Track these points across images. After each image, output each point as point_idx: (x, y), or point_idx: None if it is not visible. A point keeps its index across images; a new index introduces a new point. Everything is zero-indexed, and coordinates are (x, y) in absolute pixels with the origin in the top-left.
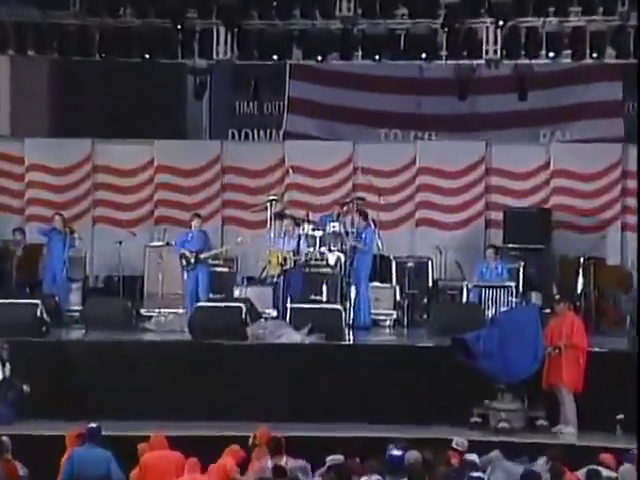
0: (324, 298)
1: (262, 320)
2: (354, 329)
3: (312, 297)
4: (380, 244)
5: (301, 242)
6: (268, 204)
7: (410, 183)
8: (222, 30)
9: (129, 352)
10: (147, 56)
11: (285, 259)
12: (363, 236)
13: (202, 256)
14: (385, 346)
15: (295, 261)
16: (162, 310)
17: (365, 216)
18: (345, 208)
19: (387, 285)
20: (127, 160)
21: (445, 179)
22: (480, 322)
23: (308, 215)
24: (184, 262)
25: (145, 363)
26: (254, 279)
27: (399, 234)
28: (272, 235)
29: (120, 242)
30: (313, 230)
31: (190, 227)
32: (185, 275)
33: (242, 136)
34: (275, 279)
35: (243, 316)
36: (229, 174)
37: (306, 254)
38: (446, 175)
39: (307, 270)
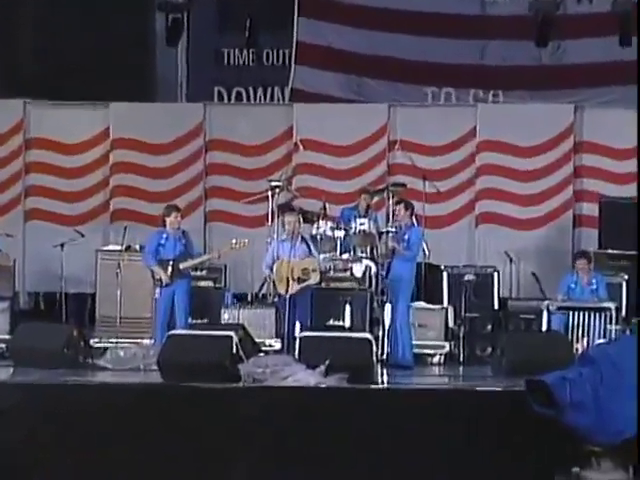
0: (347, 324)
1: (260, 355)
2: (389, 367)
3: (330, 322)
4: (426, 249)
5: (313, 246)
6: (269, 193)
7: (468, 163)
8: None
9: (74, 400)
10: None
11: (305, 271)
12: (405, 237)
13: (183, 266)
14: (433, 391)
15: (321, 271)
16: (121, 341)
17: (408, 209)
18: (377, 198)
19: (436, 306)
20: (72, 130)
21: (517, 157)
22: (566, 359)
23: (325, 208)
24: (157, 276)
25: (97, 416)
26: (249, 298)
27: (453, 235)
28: (275, 236)
29: (62, 245)
30: (332, 229)
31: (163, 225)
32: (157, 293)
33: (232, 97)
34: (279, 298)
35: (234, 349)
36: (215, 150)
37: (322, 263)
38: (519, 152)
39: (323, 285)
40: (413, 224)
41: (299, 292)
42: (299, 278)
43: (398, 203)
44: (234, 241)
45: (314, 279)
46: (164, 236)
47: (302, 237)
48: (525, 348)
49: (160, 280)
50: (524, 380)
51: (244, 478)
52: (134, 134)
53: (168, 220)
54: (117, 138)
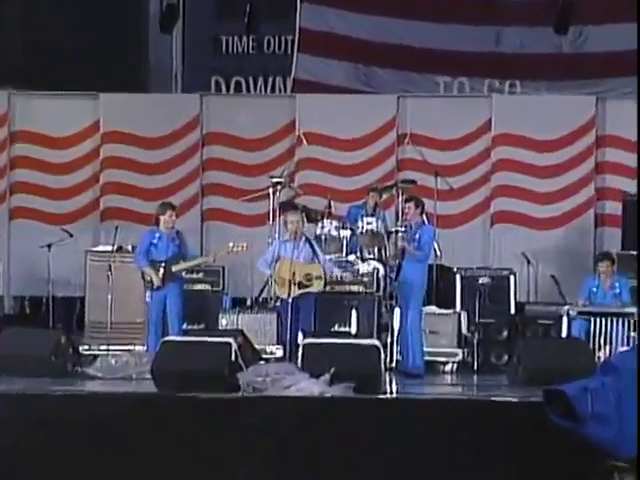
0: (353, 330)
1: (261, 363)
2: (398, 376)
3: (335, 328)
4: (438, 250)
5: (318, 247)
6: (271, 190)
7: (483, 158)
8: None
9: (62, 411)
10: None
11: (308, 276)
12: (416, 237)
13: (175, 269)
14: (445, 401)
15: (325, 279)
16: (112, 348)
17: (419, 207)
18: (385, 196)
19: (448, 311)
20: (60, 123)
21: (535, 152)
22: (588, 367)
23: (330, 206)
24: (148, 277)
25: (86, 427)
26: (249, 302)
27: (466, 235)
28: (276, 236)
29: (49, 246)
30: (337, 229)
31: (157, 224)
32: (148, 296)
33: (231, 87)
34: (280, 302)
35: (233, 357)
36: (212, 145)
37: (329, 270)
38: (537, 146)
39: (328, 288)
40: (424, 223)
41: (301, 296)
42: (300, 283)
43: (408, 201)
44: (231, 244)
45: (317, 287)
46: (157, 236)
47: (306, 237)
48: (543, 356)
49: (151, 282)
50: (542, 390)
51: None
52: (126, 127)
53: (162, 219)
54: (108, 131)
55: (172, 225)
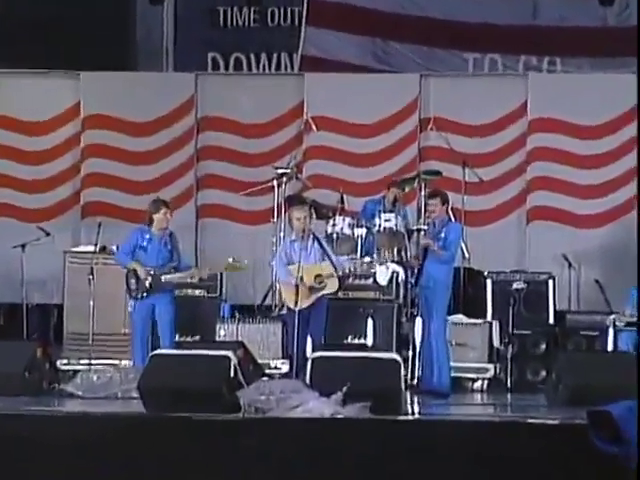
0: (369, 342)
1: (264, 380)
2: (421, 395)
3: (349, 340)
4: (466, 251)
5: (329, 247)
6: (275, 182)
7: (517, 146)
8: None
9: (38, 434)
10: None
11: (319, 278)
12: (442, 235)
13: (165, 278)
14: (474, 424)
15: (339, 276)
16: (94, 362)
17: (445, 203)
18: (406, 189)
19: (478, 321)
20: (35, 106)
21: (577, 139)
22: (636, 385)
23: (343, 201)
24: (133, 283)
25: (65, 453)
26: (251, 310)
27: (498, 234)
28: (282, 235)
29: (23, 246)
30: (351, 227)
31: (149, 224)
32: (130, 305)
33: (230, 65)
34: (287, 310)
35: (232, 372)
36: (209, 131)
37: (340, 265)
38: (579, 132)
39: (341, 295)
40: (450, 220)
41: (311, 305)
42: (312, 287)
43: (433, 196)
44: (231, 260)
45: (331, 287)
46: (146, 237)
47: (315, 237)
48: (586, 372)
49: (136, 287)
50: (585, 411)
51: None
52: (110, 110)
53: (156, 218)
54: (90, 115)
55: (166, 225)
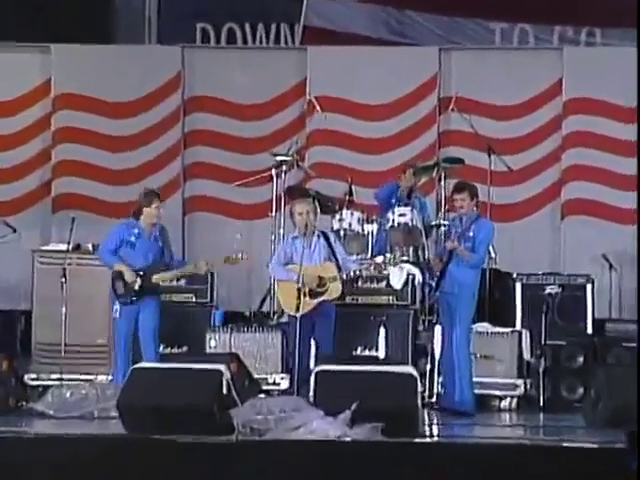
0: (382, 353)
1: (261, 397)
2: (440, 414)
3: (358, 352)
4: (492, 251)
5: (337, 245)
6: (273, 171)
7: (551, 130)
8: None
9: (3, 457)
10: None
11: (321, 281)
12: (470, 235)
13: (156, 278)
14: (501, 447)
15: (343, 280)
16: (67, 377)
17: (473, 196)
18: (424, 178)
19: (506, 329)
20: (0, 83)
21: (619, 122)
22: None
23: (351, 192)
24: (121, 285)
25: (34, 479)
26: (246, 317)
27: (529, 231)
28: (281, 231)
29: None
30: (361, 222)
31: (136, 217)
32: (116, 310)
33: (222, 38)
34: (288, 317)
35: (224, 389)
36: (197, 112)
37: (349, 266)
38: (621, 115)
39: (349, 300)
40: (479, 216)
41: (314, 310)
42: (311, 291)
43: (460, 190)
44: (234, 255)
45: (333, 292)
46: (134, 231)
47: (323, 234)
48: (629, 389)
49: (124, 289)
50: (625, 433)
51: None
52: (85, 89)
53: (146, 211)
54: (62, 94)
55: (156, 220)
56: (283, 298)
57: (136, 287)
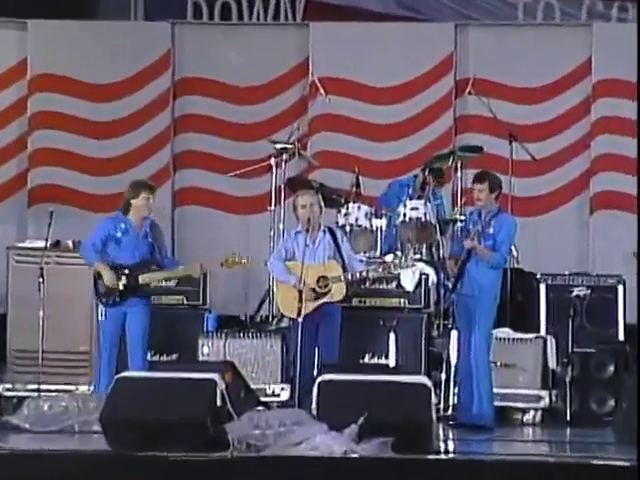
0: (392, 362)
1: (259, 409)
2: (457, 428)
3: (366, 360)
4: (514, 249)
5: (343, 243)
6: (272, 160)
7: (579, 115)
8: None
9: None
10: None
11: (323, 281)
12: (490, 232)
13: (144, 279)
14: (524, 465)
15: (347, 281)
16: (45, 388)
17: (494, 189)
18: (439, 165)
19: (529, 335)
20: None
21: None
22: None
23: (358, 184)
24: (102, 284)
25: None
26: (242, 322)
27: (555, 226)
28: (281, 227)
29: None
30: (369, 216)
31: (125, 211)
32: (101, 312)
33: (215, 14)
34: (289, 321)
35: (218, 400)
36: (189, 95)
37: (355, 266)
38: None
39: (355, 302)
40: (500, 211)
41: (315, 312)
42: (313, 291)
43: (480, 180)
44: (233, 257)
45: (335, 294)
46: (121, 226)
47: (328, 229)
48: None
49: (107, 291)
50: None
51: None
52: (65, 69)
53: (134, 204)
54: (39, 75)
55: (147, 214)
56: (282, 300)
57: (120, 287)
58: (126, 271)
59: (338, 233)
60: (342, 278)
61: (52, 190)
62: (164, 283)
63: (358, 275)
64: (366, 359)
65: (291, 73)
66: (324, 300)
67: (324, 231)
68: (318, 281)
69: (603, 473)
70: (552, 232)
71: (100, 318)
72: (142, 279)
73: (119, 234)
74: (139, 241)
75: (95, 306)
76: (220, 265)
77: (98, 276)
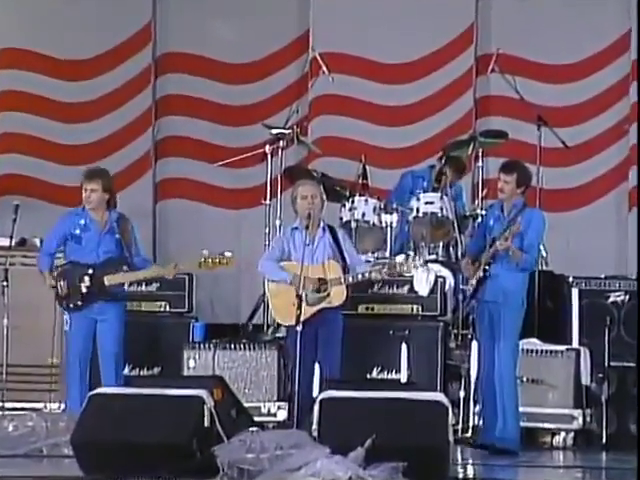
0: (404, 377)
1: (252, 431)
2: (478, 452)
3: (374, 374)
4: (543, 249)
5: (345, 243)
6: (267, 148)
7: (616, 96)
8: None
9: None
10: None
11: (321, 283)
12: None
13: (110, 280)
14: None
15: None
16: (9, 406)
17: (523, 182)
18: (457, 157)
19: (560, 347)
20: None
21: None
22: None
23: (365, 175)
24: (62, 287)
25: None
26: (234, 331)
27: (589, 224)
28: (277, 222)
29: None
30: (376, 211)
31: (91, 203)
32: (66, 322)
33: None
34: (287, 331)
35: (206, 420)
36: (172, 72)
37: (356, 268)
38: None
39: (361, 309)
40: (525, 205)
41: (313, 319)
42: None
43: (508, 170)
44: (206, 253)
45: (334, 299)
46: (81, 222)
47: (329, 227)
48: None
49: (67, 292)
50: None
51: None
52: (30, 43)
53: (86, 195)
54: (3, 49)
55: (94, 206)
56: (277, 307)
57: (83, 289)
58: (89, 271)
59: (339, 232)
60: (342, 281)
61: (17, 181)
62: (144, 287)
63: (360, 277)
64: (374, 374)
65: (289, 48)
66: (321, 305)
67: (323, 229)
68: (315, 284)
69: None
70: (586, 230)
71: (65, 328)
72: (108, 280)
73: (77, 231)
74: (102, 238)
75: (59, 314)
76: (198, 266)
77: (62, 274)
